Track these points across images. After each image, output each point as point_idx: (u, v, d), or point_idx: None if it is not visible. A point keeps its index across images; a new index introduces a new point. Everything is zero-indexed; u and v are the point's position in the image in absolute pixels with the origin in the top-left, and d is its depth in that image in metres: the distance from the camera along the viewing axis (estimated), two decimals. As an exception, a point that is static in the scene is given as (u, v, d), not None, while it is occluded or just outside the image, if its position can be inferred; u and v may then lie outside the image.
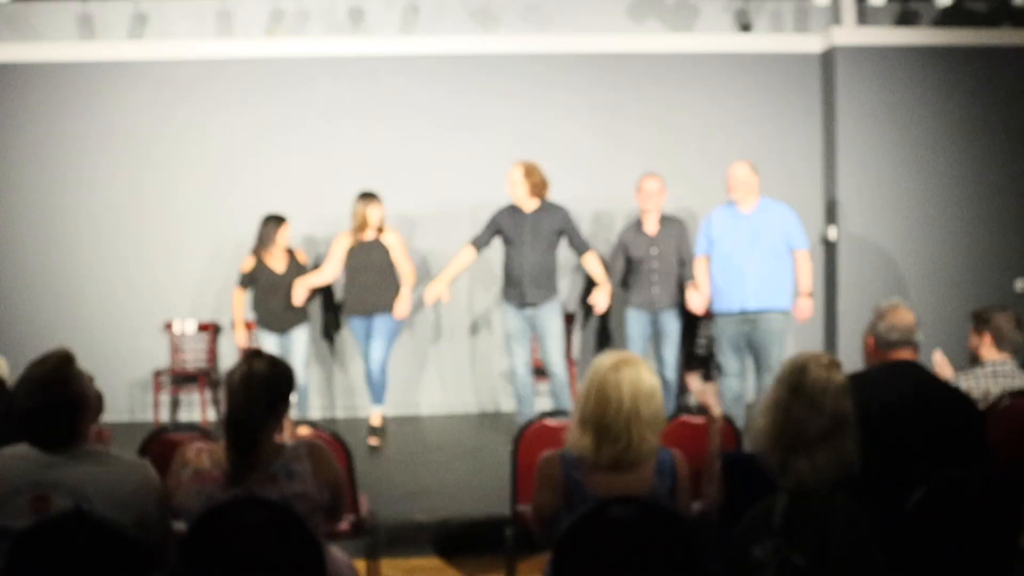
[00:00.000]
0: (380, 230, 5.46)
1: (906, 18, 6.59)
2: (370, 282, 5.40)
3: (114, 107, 6.24)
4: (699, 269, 5.14)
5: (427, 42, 6.35)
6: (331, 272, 5.58)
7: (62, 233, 6.26)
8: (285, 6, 6.38)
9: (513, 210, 5.19)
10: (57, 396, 2.23)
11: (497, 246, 5.35)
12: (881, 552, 2.10)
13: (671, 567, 2.21)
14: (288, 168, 6.30)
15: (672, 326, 5.30)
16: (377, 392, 5.49)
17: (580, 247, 5.25)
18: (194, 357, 6.24)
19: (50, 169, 6.24)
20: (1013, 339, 3.37)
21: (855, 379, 2.36)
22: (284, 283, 5.52)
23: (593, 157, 6.40)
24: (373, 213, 5.41)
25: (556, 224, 5.16)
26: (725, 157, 6.20)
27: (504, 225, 5.20)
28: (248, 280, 5.62)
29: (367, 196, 5.46)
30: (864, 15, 6.45)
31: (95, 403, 2.36)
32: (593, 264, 5.27)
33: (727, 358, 5.05)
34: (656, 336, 5.35)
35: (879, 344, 2.77)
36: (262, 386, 2.30)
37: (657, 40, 6.45)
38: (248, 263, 5.60)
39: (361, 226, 5.41)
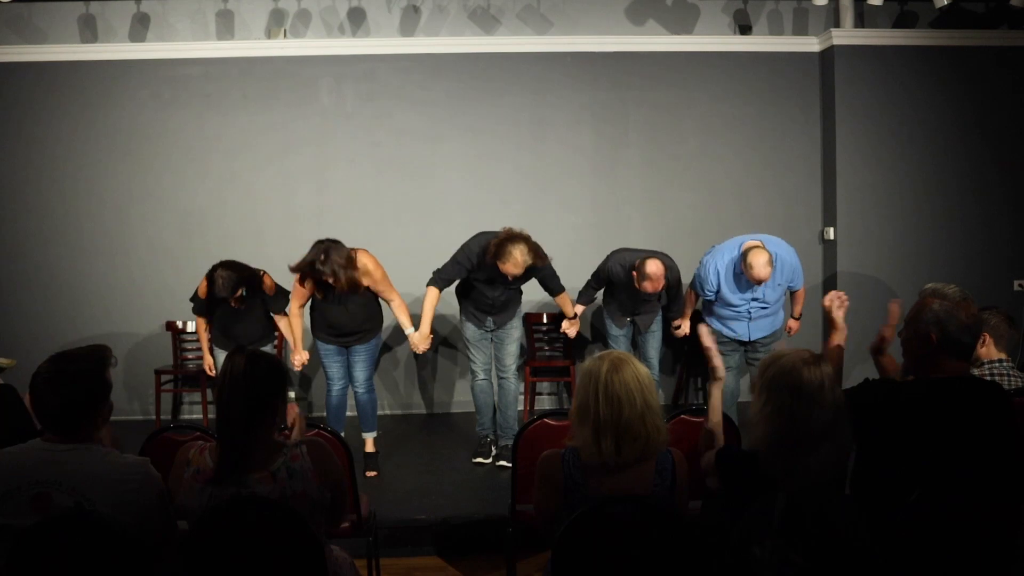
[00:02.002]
0: (350, 258, 4.62)
1: (905, 18, 6.61)
2: (344, 317, 4.72)
3: (115, 107, 6.24)
4: (690, 302, 5.25)
5: (427, 42, 6.36)
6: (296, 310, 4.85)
7: (64, 232, 6.27)
8: (286, 6, 6.39)
9: (492, 267, 4.66)
10: (87, 378, 2.26)
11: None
12: (881, 551, 2.11)
13: (670, 566, 2.22)
14: (288, 167, 6.30)
15: (655, 326, 5.28)
16: (368, 418, 4.95)
17: (556, 289, 5.01)
18: (195, 356, 6.24)
19: (52, 168, 6.24)
20: (1010, 337, 3.38)
21: (902, 392, 2.40)
22: (245, 309, 4.94)
23: (593, 157, 6.41)
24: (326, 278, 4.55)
25: (532, 275, 4.84)
26: (725, 156, 6.25)
27: (479, 273, 4.79)
28: (204, 306, 5.02)
29: (317, 248, 4.60)
30: (863, 15, 6.47)
31: (109, 408, 2.37)
32: (565, 303, 5.14)
33: (725, 357, 5.03)
34: (639, 336, 5.30)
35: (937, 351, 2.45)
36: (245, 385, 2.29)
37: (657, 40, 6.46)
38: (203, 286, 4.93)
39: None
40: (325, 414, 5.00)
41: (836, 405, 2.18)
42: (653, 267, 4.89)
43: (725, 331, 4.96)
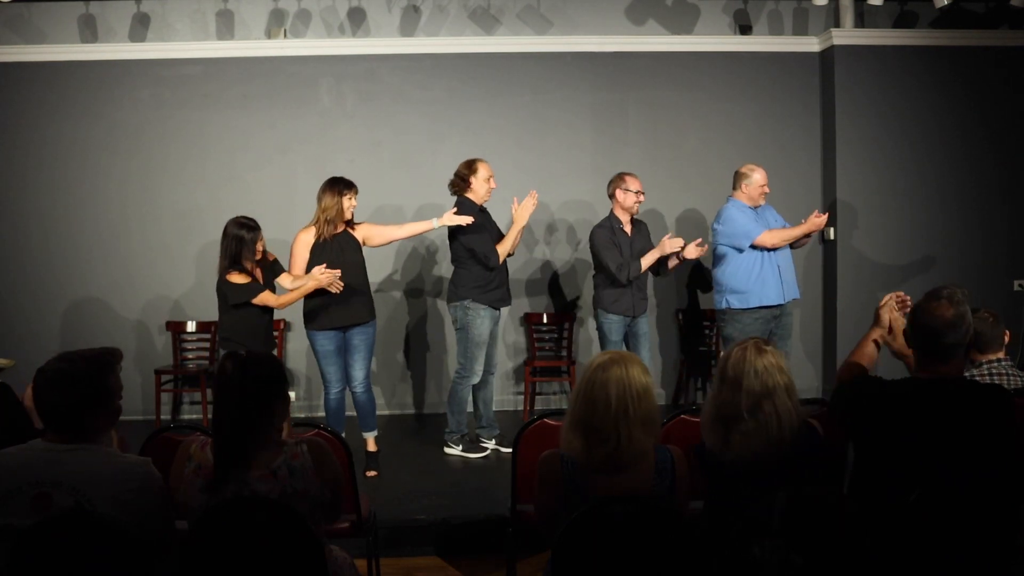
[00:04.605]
0: (350, 223, 4.76)
1: (905, 18, 6.60)
2: (345, 288, 4.61)
3: (115, 107, 6.24)
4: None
5: (427, 42, 6.36)
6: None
7: (64, 232, 6.26)
8: (286, 6, 6.39)
9: (482, 210, 4.99)
10: (87, 379, 2.26)
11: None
12: (880, 552, 2.11)
13: (670, 566, 2.22)
14: (288, 167, 6.31)
15: (645, 327, 5.25)
16: (368, 417, 4.92)
17: None
18: (195, 356, 6.24)
19: (52, 168, 6.24)
20: (997, 336, 3.34)
21: (893, 389, 2.42)
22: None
23: (593, 157, 6.41)
24: (350, 204, 4.68)
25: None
26: (725, 156, 6.24)
27: (488, 228, 5.01)
28: (257, 283, 4.56)
29: (343, 183, 4.68)
30: (863, 15, 6.47)
31: (115, 411, 2.37)
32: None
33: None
34: (632, 339, 5.23)
35: (916, 350, 2.50)
36: (237, 389, 2.30)
37: (657, 40, 6.46)
38: (240, 277, 4.48)
39: (334, 219, 4.64)
40: (324, 415, 4.99)
41: (764, 388, 2.41)
42: (636, 180, 5.16)
43: (766, 300, 5.02)
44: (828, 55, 6.35)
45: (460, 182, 4.95)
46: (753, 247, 5.02)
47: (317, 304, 4.69)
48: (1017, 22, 6.50)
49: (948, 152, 6.32)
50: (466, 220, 4.76)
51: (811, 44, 6.46)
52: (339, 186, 4.67)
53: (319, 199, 4.69)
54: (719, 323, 5.27)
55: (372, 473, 4.79)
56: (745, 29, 6.56)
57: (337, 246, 4.68)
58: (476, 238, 4.86)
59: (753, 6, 6.57)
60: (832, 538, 2.06)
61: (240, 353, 2.37)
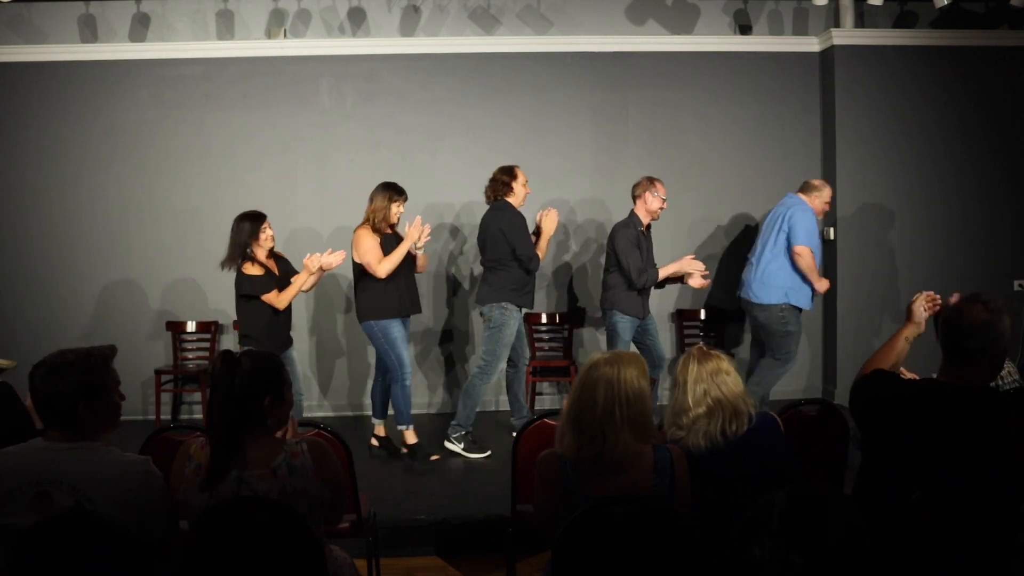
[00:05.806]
0: (393, 227, 5.02)
1: (905, 18, 6.60)
2: (409, 279, 5.00)
3: (115, 107, 6.24)
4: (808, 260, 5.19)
5: (427, 42, 6.36)
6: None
7: (64, 232, 6.26)
8: (286, 6, 6.39)
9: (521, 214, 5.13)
10: (78, 370, 2.26)
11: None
12: (881, 552, 2.11)
13: (670, 566, 2.22)
14: (288, 167, 6.31)
15: (655, 322, 5.42)
16: (409, 408, 5.05)
17: None
18: (195, 356, 6.24)
19: (52, 168, 6.24)
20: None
21: (916, 388, 2.43)
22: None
23: (593, 157, 6.41)
24: (398, 211, 4.90)
25: None
26: (725, 156, 6.24)
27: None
28: (270, 280, 4.70)
29: (396, 190, 4.91)
30: (863, 15, 6.47)
31: (114, 408, 2.37)
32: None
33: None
34: (647, 336, 5.32)
35: (942, 350, 2.45)
36: (227, 387, 2.31)
37: (657, 40, 6.46)
38: (254, 268, 4.66)
39: (382, 221, 4.85)
40: (392, 410, 5.08)
41: (708, 392, 2.61)
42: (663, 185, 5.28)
43: (811, 300, 5.27)
44: (828, 55, 6.35)
45: (503, 187, 5.10)
46: (791, 250, 5.15)
47: (385, 294, 4.85)
48: (1017, 22, 6.50)
49: (948, 152, 6.32)
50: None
51: (811, 44, 6.46)
52: (391, 191, 4.89)
53: (371, 199, 4.90)
54: (767, 320, 5.23)
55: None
56: (745, 29, 6.56)
57: (395, 241, 4.90)
58: (525, 242, 5.03)
59: (753, 6, 6.57)
60: (832, 538, 2.05)
61: (233, 351, 2.38)
